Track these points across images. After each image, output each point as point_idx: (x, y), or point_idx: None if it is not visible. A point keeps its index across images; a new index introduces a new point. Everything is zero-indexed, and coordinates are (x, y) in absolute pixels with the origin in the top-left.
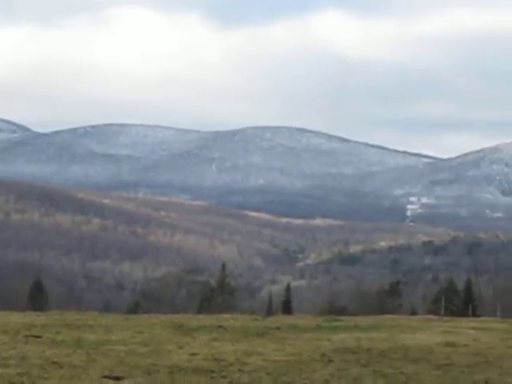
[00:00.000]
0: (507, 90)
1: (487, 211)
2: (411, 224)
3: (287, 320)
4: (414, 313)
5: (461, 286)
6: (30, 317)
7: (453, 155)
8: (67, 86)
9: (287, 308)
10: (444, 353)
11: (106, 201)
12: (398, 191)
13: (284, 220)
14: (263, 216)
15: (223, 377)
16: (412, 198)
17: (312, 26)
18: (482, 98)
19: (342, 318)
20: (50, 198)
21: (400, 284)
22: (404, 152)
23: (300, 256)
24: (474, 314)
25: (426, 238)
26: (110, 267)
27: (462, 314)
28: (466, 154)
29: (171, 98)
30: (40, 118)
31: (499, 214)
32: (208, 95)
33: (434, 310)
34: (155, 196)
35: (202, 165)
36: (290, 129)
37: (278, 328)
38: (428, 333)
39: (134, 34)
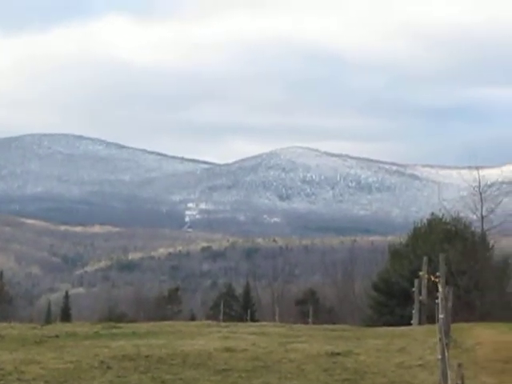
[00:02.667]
0: (285, 95)
1: (265, 216)
2: (190, 230)
3: (66, 328)
4: (193, 318)
5: (239, 290)
6: None
7: (230, 161)
8: None
9: (66, 316)
10: (223, 358)
11: None
12: (176, 197)
13: (62, 227)
14: (41, 224)
15: None
16: (190, 204)
17: (93, 32)
18: (260, 103)
19: (121, 324)
20: None
21: (179, 290)
22: (182, 158)
23: (79, 263)
24: (253, 319)
25: (204, 244)
26: None
27: (241, 318)
28: (244, 160)
29: None
30: None
31: (276, 219)
32: None
33: (213, 316)
34: None
35: None
36: (67, 136)
37: (56, 336)
38: (207, 338)
39: None
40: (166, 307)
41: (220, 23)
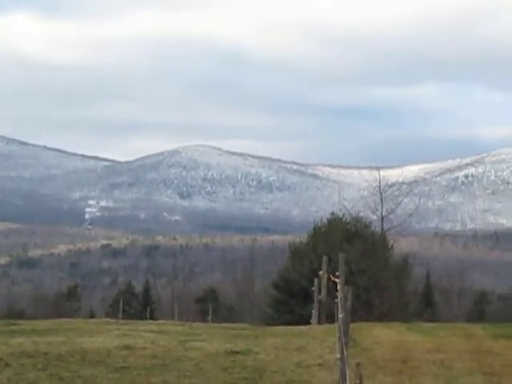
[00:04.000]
0: (188, 94)
1: (165, 214)
2: (90, 227)
3: None
4: (92, 316)
5: (139, 288)
6: None
7: (132, 158)
8: None
9: None
10: (121, 356)
11: None
12: (77, 194)
13: None
14: None
15: None
16: (90, 201)
17: None
18: (163, 101)
19: (20, 321)
20: None
21: (78, 287)
22: (82, 155)
23: None
24: (152, 317)
25: (104, 241)
26: None
27: (141, 316)
28: (145, 157)
29: None
30: None
31: (177, 217)
32: None
33: (112, 313)
34: None
35: None
36: None
37: None
38: (106, 336)
39: None
40: (65, 304)
41: (126, 21)
